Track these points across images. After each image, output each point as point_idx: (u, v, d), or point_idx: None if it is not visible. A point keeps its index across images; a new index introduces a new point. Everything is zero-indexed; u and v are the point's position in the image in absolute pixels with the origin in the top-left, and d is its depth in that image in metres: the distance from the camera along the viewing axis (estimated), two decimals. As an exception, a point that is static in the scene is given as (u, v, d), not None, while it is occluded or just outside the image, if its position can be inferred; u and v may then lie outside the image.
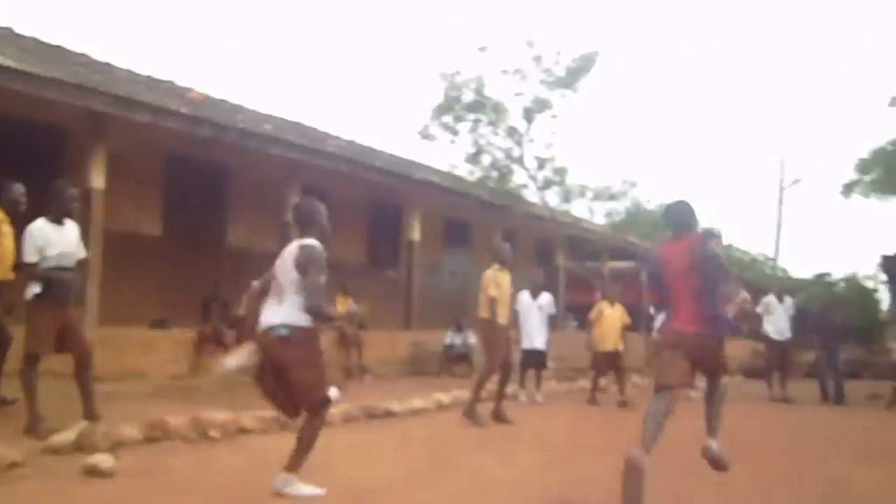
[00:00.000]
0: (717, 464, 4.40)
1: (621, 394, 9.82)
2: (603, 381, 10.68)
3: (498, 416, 7.57)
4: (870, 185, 16.17)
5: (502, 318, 7.55)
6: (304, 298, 3.98)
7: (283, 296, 4.03)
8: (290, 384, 3.99)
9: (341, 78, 58.82)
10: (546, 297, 10.07)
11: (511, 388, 10.13)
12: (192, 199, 11.68)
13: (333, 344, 12.02)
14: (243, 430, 5.96)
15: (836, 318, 11.61)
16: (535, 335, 9.87)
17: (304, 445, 4.04)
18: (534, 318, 9.88)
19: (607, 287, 11.25)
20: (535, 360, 9.97)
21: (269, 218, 11.83)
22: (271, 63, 56.18)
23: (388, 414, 7.55)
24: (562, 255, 18.05)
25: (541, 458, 5.67)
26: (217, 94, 12.55)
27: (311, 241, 4.08)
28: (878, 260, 15.99)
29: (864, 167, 16.19)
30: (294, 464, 4.03)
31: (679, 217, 4.49)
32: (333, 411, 7.07)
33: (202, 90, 11.62)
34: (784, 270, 28.11)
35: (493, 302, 7.46)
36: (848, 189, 16.63)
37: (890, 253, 15.86)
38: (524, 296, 10.00)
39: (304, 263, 3.98)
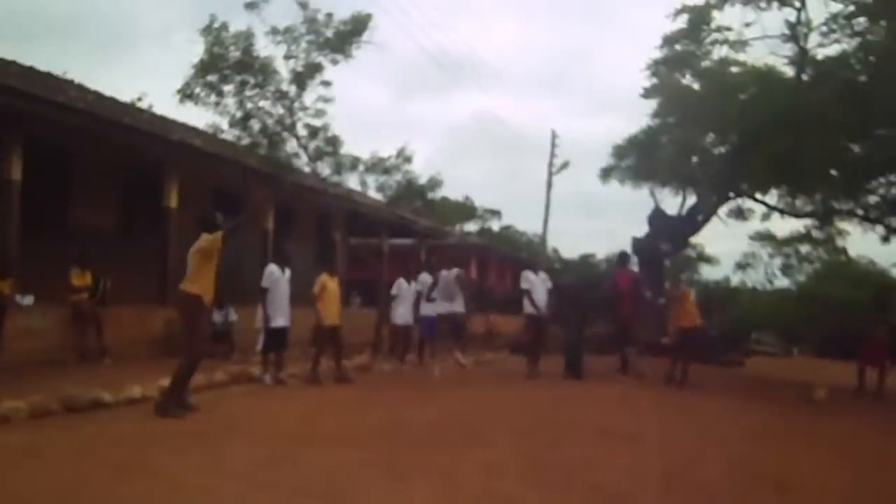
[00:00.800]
0: None
1: (338, 369, 9.54)
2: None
3: (182, 404, 6.61)
4: (625, 172, 17.32)
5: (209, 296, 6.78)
6: None
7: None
8: None
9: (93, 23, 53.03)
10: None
11: (255, 370, 9.51)
12: None
13: (67, 322, 10.64)
14: None
15: (585, 295, 12.15)
16: (285, 312, 9.32)
17: None
18: (284, 294, 9.31)
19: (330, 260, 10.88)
20: (284, 338, 9.41)
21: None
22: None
23: (96, 405, 6.58)
24: (340, 231, 17.56)
25: (256, 456, 5.12)
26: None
27: None
28: (630, 242, 17.30)
29: (619, 153, 17.31)
30: None
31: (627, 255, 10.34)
32: (19, 405, 6.05)
33: None
34: (556, 251, 29.86)
35: (205, 275, 6.69)
36: (605, 174, 17.73)
37: (640, 235, 17.29)
38: (273, 269, 9.40)
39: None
